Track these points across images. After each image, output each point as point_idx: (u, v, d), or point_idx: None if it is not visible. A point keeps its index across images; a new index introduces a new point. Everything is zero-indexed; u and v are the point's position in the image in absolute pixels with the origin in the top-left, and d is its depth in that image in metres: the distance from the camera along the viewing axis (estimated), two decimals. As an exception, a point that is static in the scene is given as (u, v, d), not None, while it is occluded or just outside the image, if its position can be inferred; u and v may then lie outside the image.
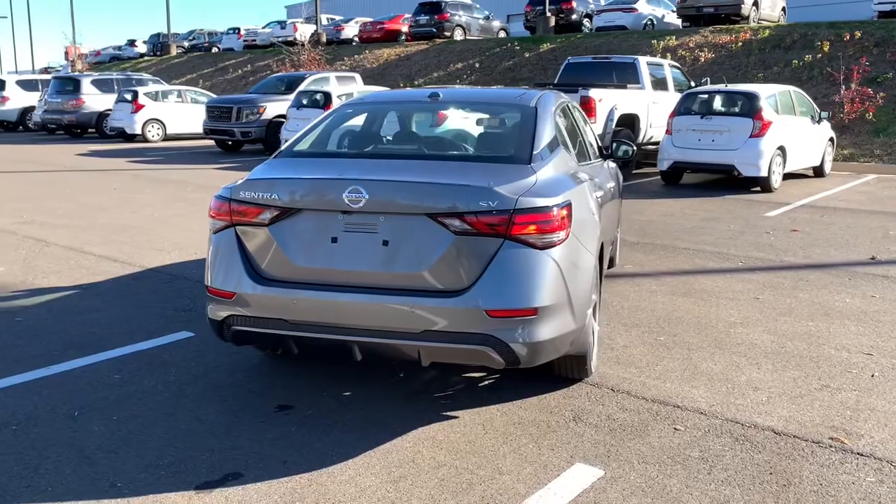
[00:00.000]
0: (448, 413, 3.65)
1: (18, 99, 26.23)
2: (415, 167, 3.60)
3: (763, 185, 11.53)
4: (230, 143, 18.52)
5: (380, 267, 3.31)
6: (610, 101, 12.34)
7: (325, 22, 35.96)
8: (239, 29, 40.00)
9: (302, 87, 18.36)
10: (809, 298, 5.69)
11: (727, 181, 12.38)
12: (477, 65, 25.67)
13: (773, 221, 9.01)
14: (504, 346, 3.24)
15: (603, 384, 4.01)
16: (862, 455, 3.26)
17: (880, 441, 3.39)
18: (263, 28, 39.37)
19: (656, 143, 13.10)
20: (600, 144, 5.82)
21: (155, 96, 21.75)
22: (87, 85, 23.26)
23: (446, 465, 3.16)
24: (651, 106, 13.43)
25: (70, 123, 23.40)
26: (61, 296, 5.66)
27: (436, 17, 29.79)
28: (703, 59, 20.92)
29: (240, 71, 33.47)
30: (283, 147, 4.12)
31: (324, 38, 33.13)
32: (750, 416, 3.63)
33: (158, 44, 45.03)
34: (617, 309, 5.39)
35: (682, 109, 12.17)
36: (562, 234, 3.38)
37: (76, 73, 30.60)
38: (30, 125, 25.88)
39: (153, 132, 21.35)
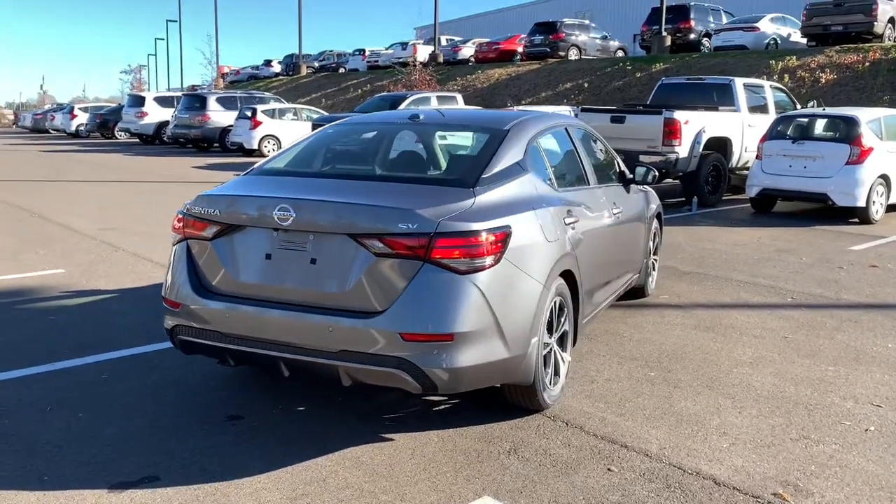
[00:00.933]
0: (386, 435, 3.63)
1: (156, 114, 28.43)
2: (352, 188, 3.65)
3: (861, 216, 10.70)
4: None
5: (306, 285, 3.36)
6: (698, 123, 11.88)
7: (443, 43, 36.69)
8: (364, 50, 41.52)
9: (402, 106, 18.81)
10: (846, 341, 5.23)
11: (824, 211, 11.59)
12: (586, 84, 25.37)
13: (853, 256, 8.33)
14: (418, 370, 3.20)
15: (560, 417, 3.86)
16: (805, 516, 2.97)
17: (829, 501, 3.07)
18: (386, 49, 40.67)
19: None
20: (622, 170, 5.62)
21: (272, 114, 22.96)
22: (212, 102, 24.88)
23: (353, 487, 3.15)
24: (746, 129, 12.80)
25: (196, 137, 25.12)
26: (101, 298, 6.09)
27: (550, 36, 29.71)
28: (823, 81, 19.70)
29: (360, 91, 34.68)
30: (256, 164, 4.27)
31: (440, 59, 33.80)
32: (698, 462, 3.38)
33: (291, 64, 47.49)
34: (624, 340, 5.17)
35: (773, 133, 11.51)
36: (489, 260, 3.31)
37: (203, 91, 32.76)
38: (164, 138, 27.95)
39: (269, 147, 22.50)
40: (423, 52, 35.57)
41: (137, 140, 29.91)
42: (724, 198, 12.92)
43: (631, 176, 5.58)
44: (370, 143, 4.63)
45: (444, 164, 4.35)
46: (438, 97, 20.21)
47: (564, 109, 15.70)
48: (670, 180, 12.97)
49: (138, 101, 29.49)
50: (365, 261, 3.26)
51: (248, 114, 22.69)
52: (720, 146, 12.41)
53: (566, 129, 4.87)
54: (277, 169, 4.13)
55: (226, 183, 3.98)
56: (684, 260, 7.96)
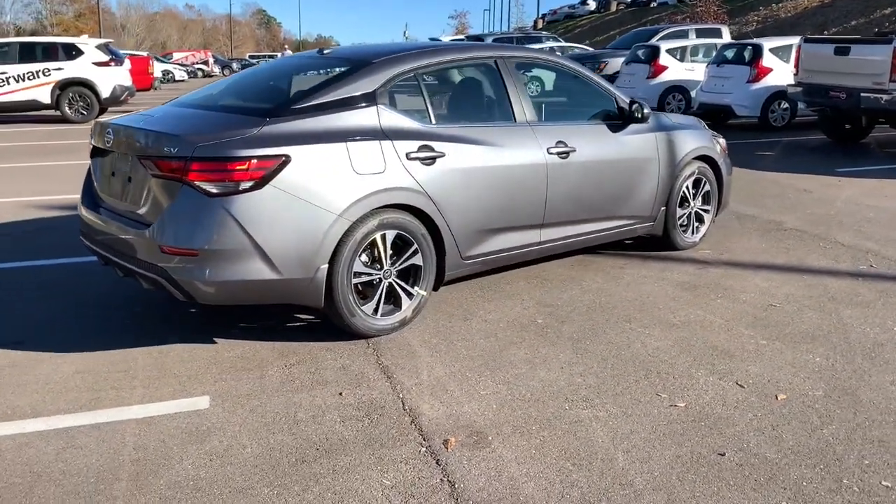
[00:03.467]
0: (185, 340, 4.01)
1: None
2: (178, 116, 4.04)
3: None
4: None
5: (126, 199, 3.88)
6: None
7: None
8: (673, -18, 39.23)
9: (654, 40, 17.83)
10: (845, 316, 4.27)
11: None
12: (906, 10, 21.32)
13: None
14: (174, 280, 3.56)
15: (376, 343, 3.93)
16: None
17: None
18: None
19: None
20: (620, 107, 5.09)
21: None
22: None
23: (87, 374, 3.60)
24: None
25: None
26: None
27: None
28: None
29: (651, 25, 33.09)
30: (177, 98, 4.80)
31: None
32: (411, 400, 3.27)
33: (604, 0, 46.66)
34: (551, 287, 4.83)
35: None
36: (246, 185, 3.48)
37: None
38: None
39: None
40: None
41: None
42: None
43: (631, 113, 5.07)
44: (266, 77, 4.88)
45: (282, 97, 4.40)
46: (698, 30, 18.68)
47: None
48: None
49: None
50: (147, 179, 3.68)
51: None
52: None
53: (495, 62, 4.62)
54: (177, 103, 4.60)
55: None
56: (788, 211, 6.84)
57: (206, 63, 51.46)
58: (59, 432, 3.05)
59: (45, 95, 15.78)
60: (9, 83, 15.54)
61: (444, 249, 4.19)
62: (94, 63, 15.98)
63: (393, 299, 4.07)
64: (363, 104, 3.97)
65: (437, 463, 2.81)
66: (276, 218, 3.57)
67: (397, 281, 4.05)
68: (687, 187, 5.61)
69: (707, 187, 5.77)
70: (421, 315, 4.26)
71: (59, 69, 15.81)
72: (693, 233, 5.79)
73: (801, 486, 2.63)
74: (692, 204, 5.70)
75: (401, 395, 3.37)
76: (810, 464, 2.78)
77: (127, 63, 17.15)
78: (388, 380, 3.53)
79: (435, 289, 4.33)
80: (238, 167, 3.49)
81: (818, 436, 2.97)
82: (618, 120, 5.10)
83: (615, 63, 17.57)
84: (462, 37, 33.60)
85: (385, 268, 3.98)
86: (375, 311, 3.98)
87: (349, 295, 3.84)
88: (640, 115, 5.08)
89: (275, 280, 3.62)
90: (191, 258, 3.52)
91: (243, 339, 4.02)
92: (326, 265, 3.72)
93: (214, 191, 3.49)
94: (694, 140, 5.60)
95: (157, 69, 27.30)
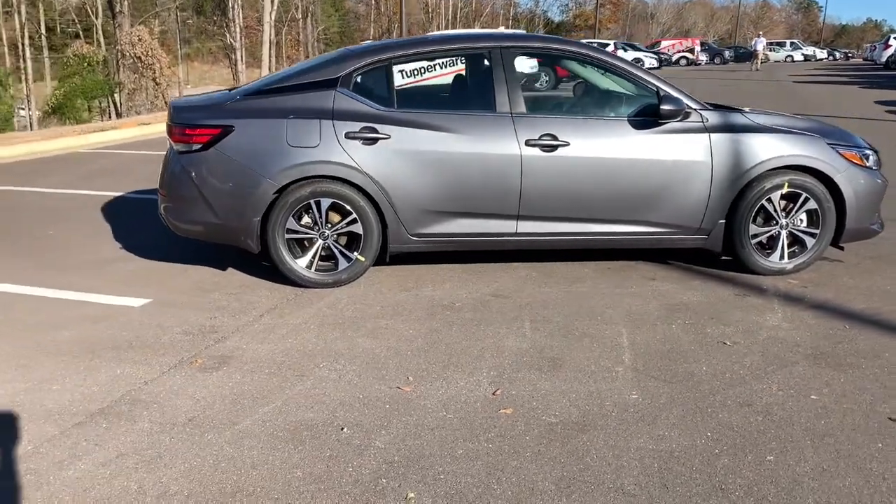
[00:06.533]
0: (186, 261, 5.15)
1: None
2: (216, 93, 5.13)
3: None
4: None
5: None
6: None
7: None
8: None
9: None
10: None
11: None
12: None
13: None
14: (162, 216, 4.74)
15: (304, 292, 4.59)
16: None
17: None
18: None
19: None
20: (657, 104, 4.59)
21: None
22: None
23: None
24: None
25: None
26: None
27: None
28: None
29: None
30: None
31: None
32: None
33: None
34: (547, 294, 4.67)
35: None
36: (196, 147, 4.46)
37: None
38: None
39: None
40: None
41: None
42: None
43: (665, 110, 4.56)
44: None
45: (276, 79, 4.89)
46: None
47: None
48: None
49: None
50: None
51: None
52: None
53: (489, 52, 4.65)
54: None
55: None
56: None
57: (690, 51, 51.40)
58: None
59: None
60: (434, 69, 18.64)
61: (387, 223, 4.58)
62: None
63: (335, 260, 4.65)
64: (325, 89, 4.59)
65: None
66: (216, 174, 4.49)
67: (336, 245, 4.61)
68: (771, 201, 4.71)
69: (812, 205, 4.73)
70: (376, 283, 4.73)
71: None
72: (783, 257, 4.82)
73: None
74: (783, 222, 4.76)
75: (215, 322, 4.06)
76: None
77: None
78: (233, 316, 4.22)
79: (384, 260, 4.74)
80: (191, 133, 4.51)
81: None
82: (655, 114, 4.62)
83: None
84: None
85: (321, 230, 4.58)
86: (310, 266, 4.63)
87: (280, 247, 4.56)
88: (667, 111, 4.51)
89: (217, 223, 4.56)
90: (166, 199, 4.69)
91: (216, 268, 5.03)
92: (258, 218, 4.51)
93: (181, 149, 4.59)
94: (785, 146, 4.65)
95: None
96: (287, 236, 4.55)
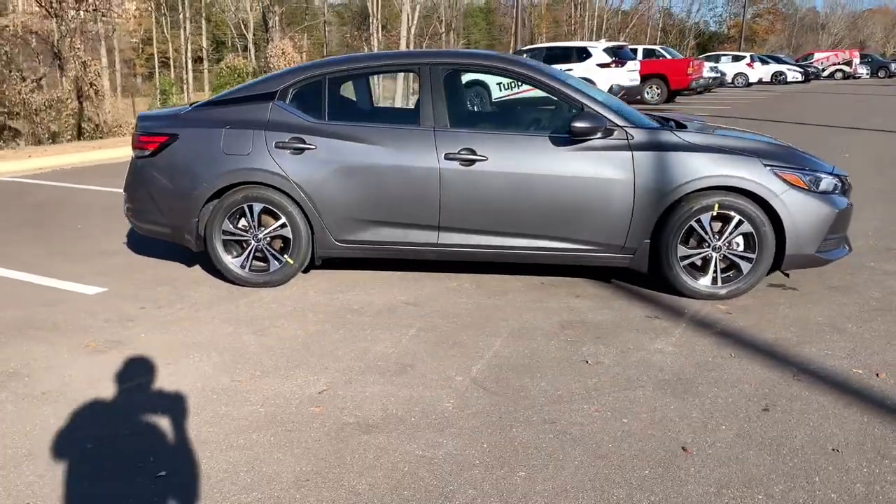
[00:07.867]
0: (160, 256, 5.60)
1: None
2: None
3: None
4: None
5: None
6: None
7: None
8: None
9: None
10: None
11: None
12: None
13: None
14: (127, 216, 5.24)
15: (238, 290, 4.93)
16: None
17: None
18: None
19: None
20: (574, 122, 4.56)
21: None
22: None
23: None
24: None
25: None
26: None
27: None
28: None
29: None
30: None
31: None
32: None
33: None
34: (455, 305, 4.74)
35: None
36: (148, 153, 4.92)
37: None
38: None
39: None
40: None
41: None
42: None
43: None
44: None
45: (230, 90, 5.25)
46: None
47: None
48: None
49: None
50: None
51: None
52: None
53: (418, 69, 4.78)
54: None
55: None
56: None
57: (848, 63, 47.74)
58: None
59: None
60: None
61: (313, 229, 4.84)
62: (597, 64, 17.92)
63: (268, 262, 4.97)
64: (263, 101, 4.92)
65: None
66: (162, 177, 4.94)
67: (269, 248, 4.92)
68: (700, 222, 4.54)
69: (748, 228, 4.52)
70: (307, 286, 5.01)
71: (569, 69, 18.22)
72: (716, 281, 4.63)
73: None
74: (715, 245, 4.57)
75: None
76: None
77: (633, 64, 18.55)
78: (182, 301, 4.61)
79: (315, 264, 5.00)
80: (144, 140, 4.99)
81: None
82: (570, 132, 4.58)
83: None
84: None
85: (255, 233, 4.91)
86: (243, 265, 4.97)
87: (217, 246, 4.93)
88: (579, 129, 4.47)
89: (165, 223, 5.01)
90: (127, 201, 5.19)
91: (187, 265, 5.48)
92: (196, 219, 4.92)
93: (137, 155, 5.07)
94: (712, 166, 4.47)
95: (709, 70, 27.07)
96: (224, 237, 4.91)
